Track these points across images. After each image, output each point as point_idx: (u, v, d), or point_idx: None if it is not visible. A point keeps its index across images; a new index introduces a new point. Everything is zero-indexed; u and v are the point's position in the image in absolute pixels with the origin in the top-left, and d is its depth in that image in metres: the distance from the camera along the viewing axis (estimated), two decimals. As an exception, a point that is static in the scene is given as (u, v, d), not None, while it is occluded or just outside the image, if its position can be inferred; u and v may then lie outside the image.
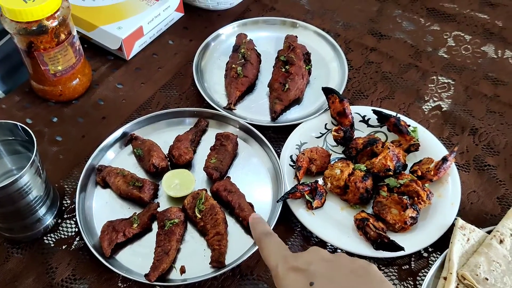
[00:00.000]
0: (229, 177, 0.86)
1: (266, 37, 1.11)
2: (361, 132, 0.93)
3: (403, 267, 0.77)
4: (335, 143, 0.91)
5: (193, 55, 1.04)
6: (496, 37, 1.13)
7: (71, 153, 0.91)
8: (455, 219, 0.79)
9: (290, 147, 0.89)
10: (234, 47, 1.05)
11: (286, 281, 0.51)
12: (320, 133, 0.93)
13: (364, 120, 0.94)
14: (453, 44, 1.11)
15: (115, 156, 0.90)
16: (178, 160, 0.86)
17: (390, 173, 0.83)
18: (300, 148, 0.90)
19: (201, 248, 0.78)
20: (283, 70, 0.99)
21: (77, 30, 0.96)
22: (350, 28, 1.15)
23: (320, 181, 0.86)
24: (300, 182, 0.83)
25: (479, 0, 1.21)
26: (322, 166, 0.86)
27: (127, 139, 0.90)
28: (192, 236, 0.80)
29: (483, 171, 0.89)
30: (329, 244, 0.79)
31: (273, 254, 0.55)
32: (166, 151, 0.88)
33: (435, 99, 1.00)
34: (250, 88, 1.01)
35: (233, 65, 1.00)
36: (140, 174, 0.87)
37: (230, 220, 0.81)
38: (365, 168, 0.84)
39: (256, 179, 0.87)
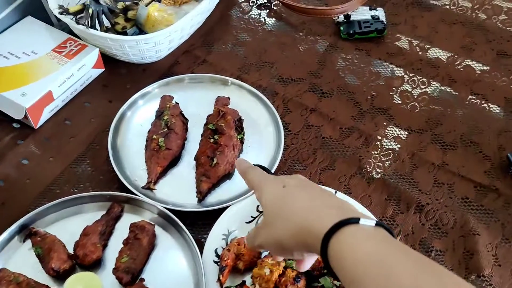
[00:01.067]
0: (142, 280, 0.74)
1: (195, 97, 1.00)
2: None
3: None
4: (267, 231, 0.80)
5: (111, 120, 0.92)
6: (446, 92, 1.05)
7: (-41, 251, 0.78)
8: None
9: (215, 238, 0.79)
10: (157, 112, 0.94)
11: (265, 188, 0.59)
12: (252, 216, 0.83)
13: (301, 199, 0.84)
14: (400, 102, 1.03)
15: (13, 254, 0.77)
16: (84, 260, 0.74)
17: (326, 271, 0.73)
18: (227, 238, 0.80)
19: None
20: (212, 141, 0.88)
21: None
22: (289, 84, 1.05)
23: (249, 280, 0.75)
24: (224, 286, 0.72)
25: (428, 48, 1.14)
26: (251, 261, 0.76)
27: (25, 234, 0.78)
28: None
29: (430, 257, 0.80)
30: None
31: (256, 176, 0.63)
32: (72, 246, 0.76)
33: (378, 170, 0.91)
34: (175, 161, 0.90)
35: (155, 136, 0.89)
36: (42, 276, 0.75)
37: (143, 335, 0.70)
38: (298, 266, 0.74)
39: (174, 280, 0.76)
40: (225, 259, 0.74)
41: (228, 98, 0.97)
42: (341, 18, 1.16)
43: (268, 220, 0.57)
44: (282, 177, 0.61)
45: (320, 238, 0.48)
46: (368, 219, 0.47)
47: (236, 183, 0.87)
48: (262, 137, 0.94)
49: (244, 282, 0.74)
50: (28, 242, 0.78)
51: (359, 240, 0.46)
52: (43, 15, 1.04)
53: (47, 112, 0.94)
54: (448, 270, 0.44)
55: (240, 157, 0.78)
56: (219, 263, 0.76)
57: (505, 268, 0.80)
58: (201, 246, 0.78)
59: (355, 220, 0.47)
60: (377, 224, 0.47)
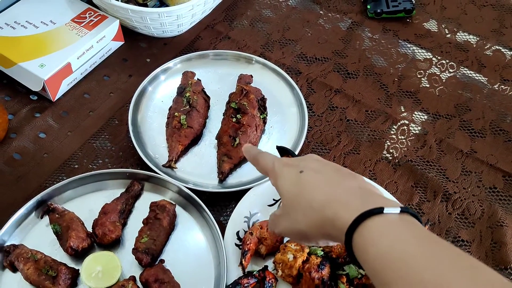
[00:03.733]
0: (162, 261, 0.73)
1: (217, 73, 0.96)
2: (320, 197, 0.81)
3: None
4: (289, 214, 0.78)
5: (131, 95, 0.89)
6: (474, 78, 1.01)
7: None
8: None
9: (237, 220, 0.77)
10: (179, 89, 0.91)
11: (281, 174, 0.56)
12: (274, 199, 0.80)
13: (325, 184, 0.82)
14: (428, 85, 0.99)
15: (31, 230, 0.75)
16: (103, 239, 0.73)
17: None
18: (249, 221, 0.78)
19: None
20: (234, 120, 0.85)
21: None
22: (313, 64, 1.01)
23: (271, 265, 0.73)
24: (246, 272, 0.70)
25: (457, 31, 1.10)
26: (274, 246, 0.74)
27: (43, 211, 0.76)
28: (116, 338, 0.67)
29: (456, 248, 0.78)
30: None
31: (268, 159, 0.60)
32: (91, 223, 0.75)
33: (405, 155, 0.88)
34: (196, 139, 0.87)
35: (176, 113, 0.86)
36: (59, 253, 0.73)
37: (163, 316, 0.68)
38: (322, 253, 0.72)
39: (195, 262, 0.74)
40: (248, 243, 0.72)
41: (251, 76, 0.94)
42: (368, -4, 1.11)
43: (287, 208, 0.54)
44: (297, 160, 0.58)
45: (343, 231, 0.46)
46: (393, 207, 0.45)
47: (258, 165, 0.85)
48: (285, 117, 0.91)
49: (266, 267, 0.72)
50: (46, 219, 0.76)
51: (382, 233, 0.44)
52: (62, -16, 1.00)
53: (66, 85, 0.91)
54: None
55: (247, 144, 0.75)
56: (241, 247, 0.74)
57: (534, 261, 0.78)
58: (222, 227, 0.76)
59: (378, 210, 0.44)
60: (402, 211, 0.45)
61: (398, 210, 0.45)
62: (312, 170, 0.54)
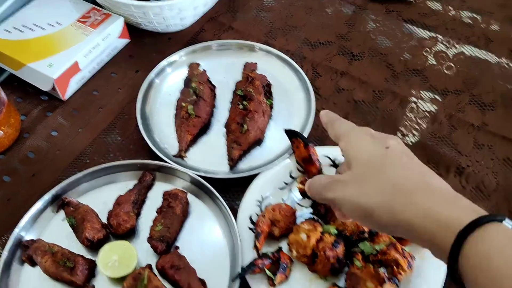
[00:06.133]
0: (177, 248, 0.73)
1: (222, 64, 0.97)
2: (332, 179, 0.81)
3: None
4: (302, 197, 0.78)
5: (139, 89, 0.90)
6: (482, 53, 1.00)
7: (-6, 223, 0.78)
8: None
9: (249, 205, 0.77)
10: (185, 80, 0.92)
11: (361, 140, 0.51)
12: (285, 183, 0.81)
13: (335, 165, 0.82)
14: (435, 63, 0.98)
15: (47, 225, 0.77)
16: (117, 230, 0.73)
17: (366, 235, 0.71)
18: (261, 204, 0.78)
19: None
20: (241, 107, 0.86)
21: (2, 68, 0.82)
22: (318, 48, 1.01)
23: (285, 246, 0.74)
24: (260, 253, 0.71)
25: (462, 7, 1.09)
26: (287, 228, 0.74)
27: (58, 205, 0.77)
28: (135, 325, 0.68)
29: (472, 221, 0.77)
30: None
31: (347, 124, 0.56)
32: (105, 215, 0.76)
33: (415, 132, 0.88)
34: (205, 129, 0.88)
35: (184, 103, 0.87)
36: (76, 246, 0.74)
37: (180, 302, 0.69)
38: (336, 231, 0.72)
39: (209, 247, 0.75)
40: (261, 225, 0.72)
41: (256, 63, 0.94)
42: (370, -22, 1.11)
43: (359, 177, 0.48)
44: (381, 135, 0.53)
45: (453, 231, 0.41)
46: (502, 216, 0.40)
47: (267, 150, 0.85)
48: (292, 102, 0.91)
49: (280, 248, 0.72)
50: (62, 213, 0.77)
51: (506, 245, 0.39)
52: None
53: (74, 83, 0.93)
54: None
55: (325, 110, 0.66)
56: (254, 230, 0.74)
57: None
58: (234, 213, 0.76)
59: (501, 218, 0.40)
60: None
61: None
62: (401, 152, 0.50)
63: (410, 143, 0.86)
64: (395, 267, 0.67)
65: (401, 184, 0.45)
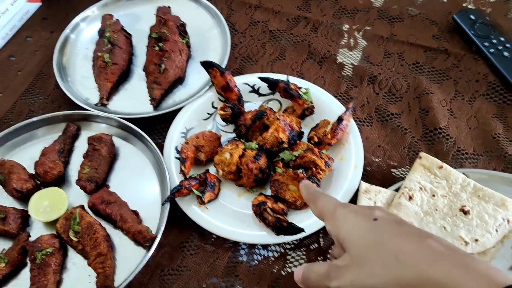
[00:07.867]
0: (107, 186, 0.75)
1: (137, 14, 0.98)
2: (253, 104, 0.84)
3: (311, 247, 0.70)
4: (225, 123, 0.81)
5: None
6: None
7: None
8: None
9: (174, 137, 0.79)
10: (99, 31, 0.92)
11: (346, 220, 0.49)
12: (208, 113, 0.83)
13: (255, 90, 0.84)
14: (343, -14, 1.02)
15: (-23, 186, 0.77)
16: (45, 177, 0.74)
17: (285, 145, 0.74)
18: (186, 135, 0.80)
19: (85, 274, 0.68)
20: (157, 48, 0.87)
21: None
22: (230, -14, 1.03)
23: (212, 169, 0.76)
24: (188, 176, 0.73)
25: None
26: (212, 152, 0.77)
27: (-16, 165, 0.77)
28: (73, 263, 0.70)
29: (387, 122, 0.82)
30: (230, 240, 0.70)
31: (330, 202, 0.52)
32: (33, 169, 0.77)
33: (329, 51, 0.91)
34: (124, 76, 0.89)
35: (100, 53, 0.88)
36: (8, 201, 0.75)
37: (116, 234, 0.71)
38: (257, 146, 0.75)
39: (140, 181, 0.77)
40: (185, 151, 0.75)
41: (169, 7, 0.95)
42: None
43: (358, 259, 0.45)
44: (365, 208, 0.51)
45: None
46: None
47: (189, 87, 0.87)
48: (208, 40, 0.93)
49: (207, 170, 0.75)
50: (-10, 174, 0.77)
51: None
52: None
53: (-12, 51, 0.92)
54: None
55: (305, 180, 0.67)
56: (180, 158, 0.76)
57: (461, 119, 0.81)
58: (161, 149, 0.78)
59: None
60: None
61: None
62: (389, 220, 0.47)
63: (324, 60, 0.89)
64: (314, 168, 0.71)
65: (405, 255, 0.43)
